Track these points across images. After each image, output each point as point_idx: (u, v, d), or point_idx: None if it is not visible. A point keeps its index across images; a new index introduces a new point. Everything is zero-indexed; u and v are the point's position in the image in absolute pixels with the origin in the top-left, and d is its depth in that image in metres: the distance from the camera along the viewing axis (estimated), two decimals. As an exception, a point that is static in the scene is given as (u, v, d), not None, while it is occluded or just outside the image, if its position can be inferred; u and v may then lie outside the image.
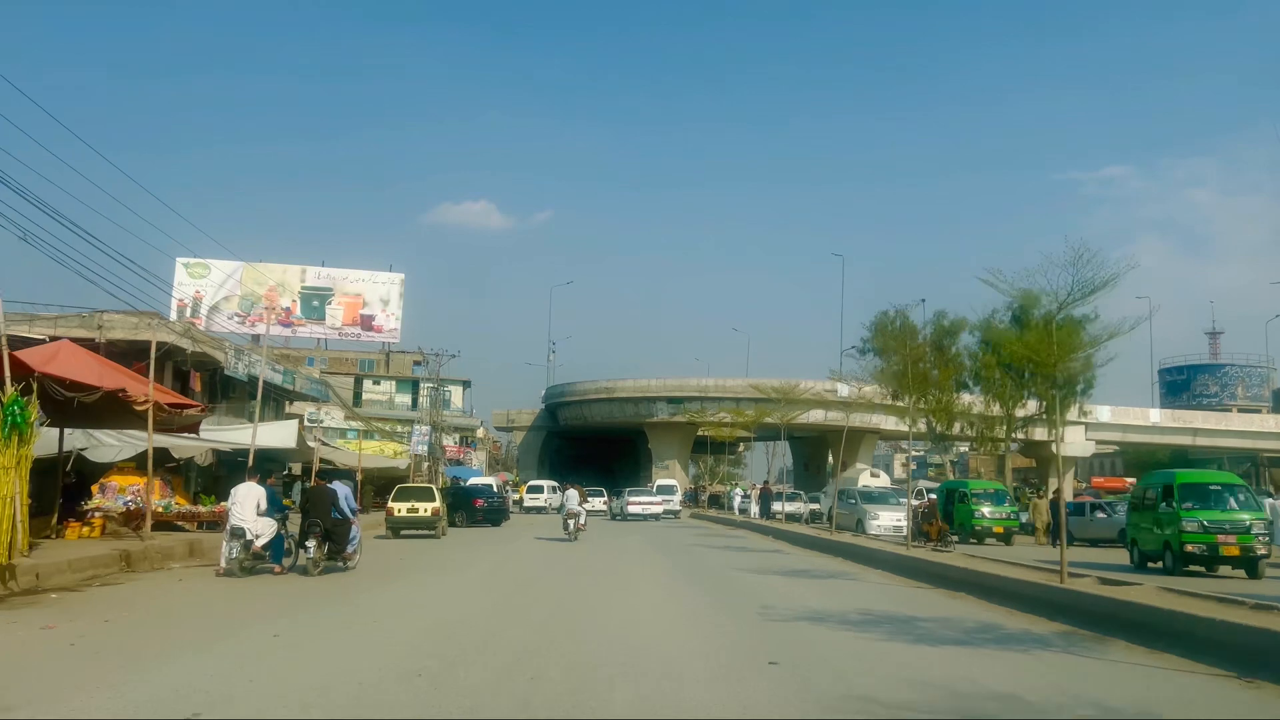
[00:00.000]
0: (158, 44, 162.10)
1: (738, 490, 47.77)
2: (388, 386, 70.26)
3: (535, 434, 79.18)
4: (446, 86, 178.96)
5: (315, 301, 74.51)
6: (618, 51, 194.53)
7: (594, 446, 79.24)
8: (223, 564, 13.52)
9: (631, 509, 41.88)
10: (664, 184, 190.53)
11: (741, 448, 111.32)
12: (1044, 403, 41.60)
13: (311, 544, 13.90)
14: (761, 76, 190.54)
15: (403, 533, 24.26)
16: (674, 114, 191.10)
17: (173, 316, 64.91)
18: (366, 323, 73.52)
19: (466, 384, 70.28)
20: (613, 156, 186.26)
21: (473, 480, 38.73)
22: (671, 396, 64.13)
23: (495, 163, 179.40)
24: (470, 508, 31.04)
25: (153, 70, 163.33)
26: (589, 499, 39.33)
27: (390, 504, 23.87)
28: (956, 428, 48.92)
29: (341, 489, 15.02)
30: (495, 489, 34.68)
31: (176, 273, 72.65)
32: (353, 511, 14.94)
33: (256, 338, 73.25)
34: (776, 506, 35.22)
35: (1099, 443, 73.26)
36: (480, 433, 70.13)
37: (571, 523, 23.79)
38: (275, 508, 14.32)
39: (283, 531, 14.38)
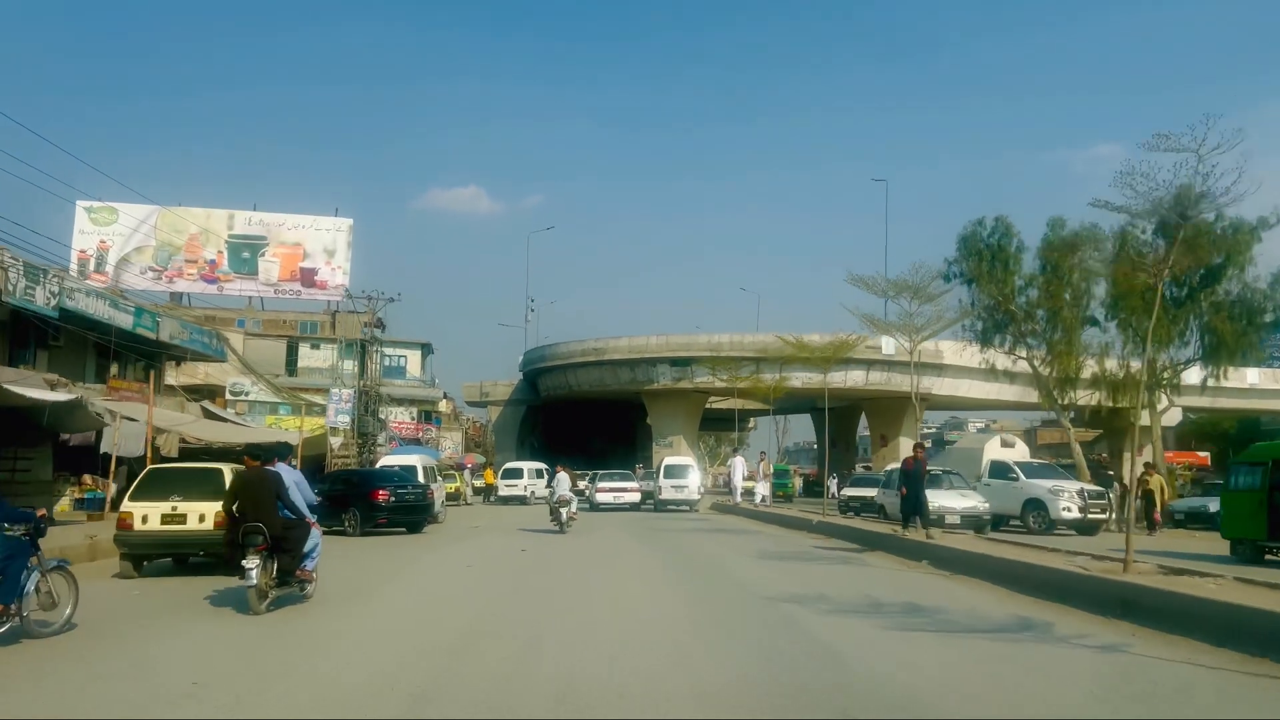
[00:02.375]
0: (144, 37, 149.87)
1: (737, 463, 33.81)
2: (329, 352, 57.97)
3: (513, 409, 67.13)
4: (438, 76, 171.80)
5: (246, 253, 62.28)
6: (607, 40, 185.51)
7: (582, 422, 67.18)
8: None
9: (601, 497, 34.42)
10: (655, 170, 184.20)
11: (751, 424, 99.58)
12: (1207, 339, 28.89)
13: (254, 565, 8.76)
14: (752, 62, 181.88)
15: (188, 560, 12.26)
16: (666, 102, 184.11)
17: (73, 269, 53.64)
18: (308, 277, 61.29)
19: (426, 348, 58.11)
20: (602, 142, 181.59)
21: (387, 460, 26.52)
22: (675, 357, 52.04)
23: (486, 149, 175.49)
24: (367, 505, 19.09)
25: (145, 68, 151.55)
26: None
27: (126, 505, 11.47)
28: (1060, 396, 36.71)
29: (289, 474, 9.93)
30: (420, 473, 22.54)
31: (77, 218, 60.61)
32: (311, 508, 9.99)
33: (177, 296, 61.71)
34: (938, 499, 18.52)
35: (1186, 410, 61.46)
36: (444, 405, 58.02)
37: (564, 511, 20.68)
38: (4, 514, 7.59)
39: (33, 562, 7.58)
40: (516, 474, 41.62)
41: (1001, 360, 34.40)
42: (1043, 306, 31.27)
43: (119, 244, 60.80)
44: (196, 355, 36.15)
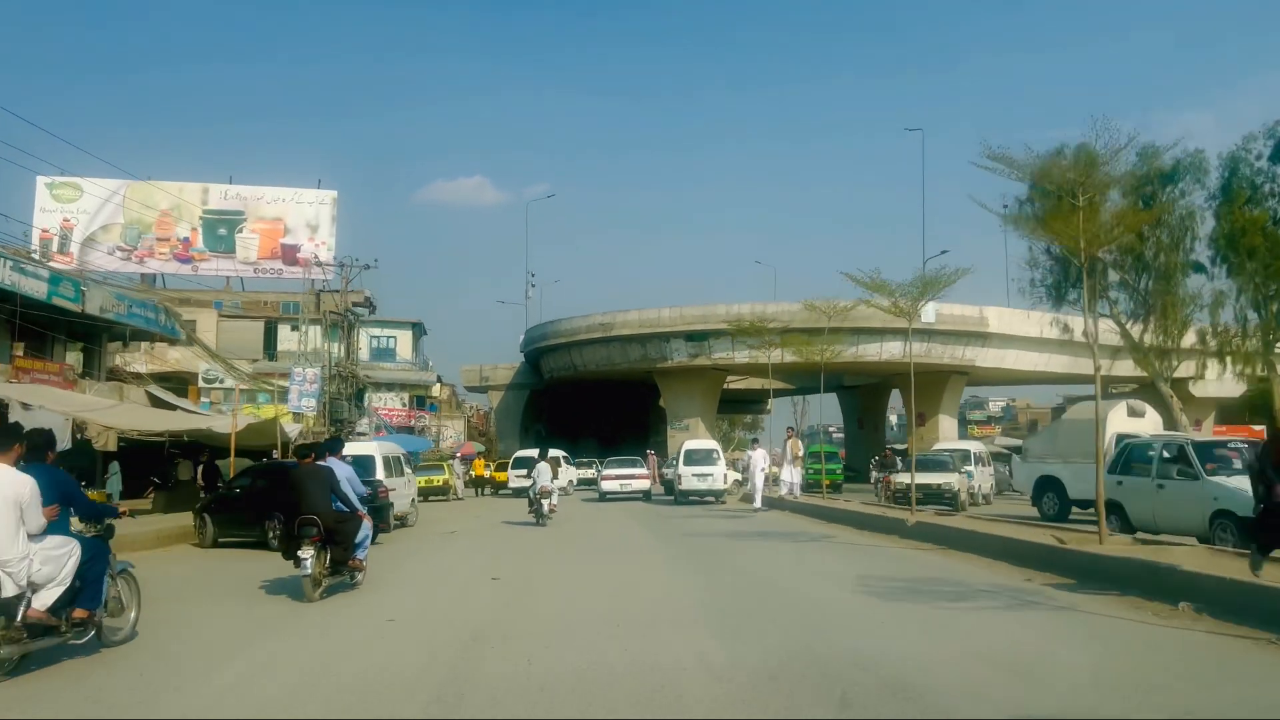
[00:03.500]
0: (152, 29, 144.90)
1: (757, 457, 24.80)
2: (310, 333, 53.08)
3: (515, 394, 62.37)
4: (439, 65, 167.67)
5: (222, 229, 57.53)
6: (603, 22, 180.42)
7: (590, 406, 62.36)
8: None
9: (607, 486, 32.01)
10: (659, 149, 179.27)
11: (768, 406, 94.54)
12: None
13: (308, 555, 9.23)
14: (760, 39, 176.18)
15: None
16: (664, 81, 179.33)
17: (34, 250, 49.20)
18: (290, 255, 56.30)
19: (417, 327, 53.27)
20: (605, 123, 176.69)
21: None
22: (691, 331, 47.06)
23: (489, 140, 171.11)
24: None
25: (148, 59, 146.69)
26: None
27: None
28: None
29: (342, 468, 10.49)
30: (378, 465, 17.52)
31: (38, 195, 55.99)
32: (361, 499, 10.50)
33: (150, 277, 57.16)
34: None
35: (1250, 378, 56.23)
36: (438, 390, 53.18)
37: (546, 503, 19.30)
38: (82, 511, 7.02)
39: (109, 568, 6.97)
40: (527, 463, 36.56)
41: (1077, 321, 29.34)
42: (1132, 251, 26.17)
43: (84, 222, 56.13)
44: (140, 333, 31.39)
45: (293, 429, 24.96)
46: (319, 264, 39.31)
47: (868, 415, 61.67)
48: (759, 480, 23.76)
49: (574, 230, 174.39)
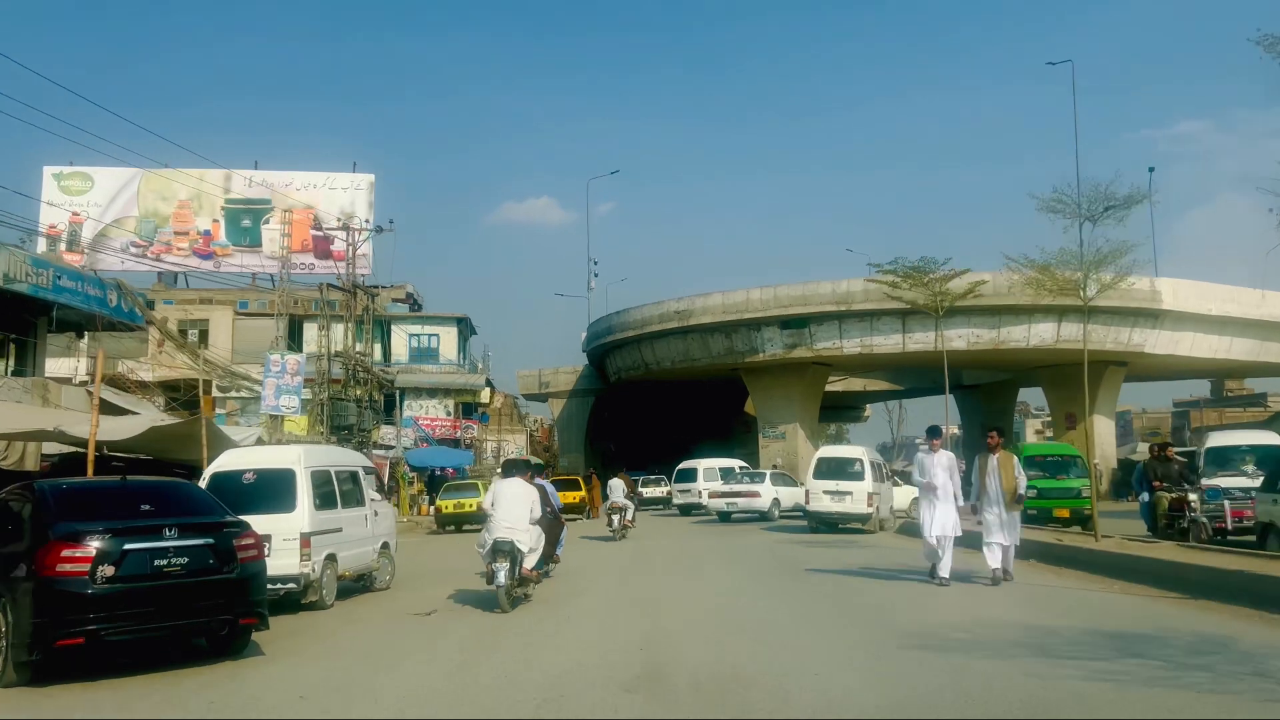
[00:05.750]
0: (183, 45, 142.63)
1: (935, 459, 12.02)
2: (340, 331, 45.96)
3: (579, 401, 54.58)
4: (500, 87, 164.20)
5: (246, 220, 51.33)
6: (658, 43, 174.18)
7: (664, 413, 54.13)
8: (500, 582, 9.99)
9: (714, 504, 28.79)
10: (722, 167, 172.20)
11: (865, 412, 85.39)
12: None
13: None
14: (817, 48, 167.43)
15: None
16: (706, 102, 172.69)
17: (40, 247, 43.14)
18: (322, 247, 49.36)
19: (462, 323, 45.75)
20: (670, 146, 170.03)
21: (229, 461, 11.71)
22: (788, 317, 38.54)
23: (556, 160, 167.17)
24: (32, 589, 6.26)
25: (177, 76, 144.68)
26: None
27: None
28: None
29: (548, 485, 13.88)
30: (299, 486, 9.38)
31: (45, 187, 50.30)
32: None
33: (170, 276, 51.03)
34: None
35: None
36: (486, 395, 45.50)
37: (616, 518, 20.85)
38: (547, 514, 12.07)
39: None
40: (689, 476, 33.30)
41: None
42: None
43: (95, 215, 50.18)
44: (87, 318, 24.15)
45: (245, 434, 17.16)
46: (319, 229, 31.91)
47: (992, 419, 52.14)
48: (943, 517, 11.74)
49: (640, 237, 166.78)
